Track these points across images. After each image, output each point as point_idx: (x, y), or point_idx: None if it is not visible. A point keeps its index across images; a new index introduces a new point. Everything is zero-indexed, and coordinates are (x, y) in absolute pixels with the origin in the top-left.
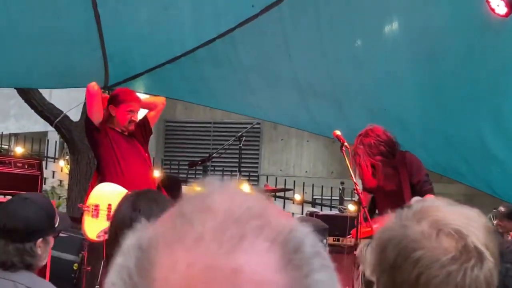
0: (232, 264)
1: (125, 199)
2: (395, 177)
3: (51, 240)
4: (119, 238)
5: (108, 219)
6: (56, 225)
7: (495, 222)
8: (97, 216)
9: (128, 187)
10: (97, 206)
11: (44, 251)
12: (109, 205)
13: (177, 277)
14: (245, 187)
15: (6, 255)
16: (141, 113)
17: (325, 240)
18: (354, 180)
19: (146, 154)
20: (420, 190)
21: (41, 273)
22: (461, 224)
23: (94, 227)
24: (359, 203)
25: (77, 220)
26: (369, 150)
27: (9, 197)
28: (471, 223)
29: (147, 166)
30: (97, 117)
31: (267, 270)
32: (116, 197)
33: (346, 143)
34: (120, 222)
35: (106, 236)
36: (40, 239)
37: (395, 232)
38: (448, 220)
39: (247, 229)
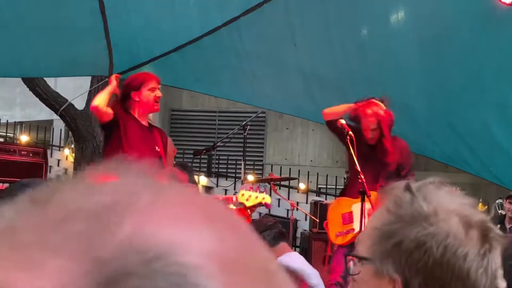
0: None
1: None
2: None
3: None
4: None
5: None
6: None
7: (500, 211)
8: None
9: None
10: None
11: None
12: None
13: None
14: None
15: None
16: None
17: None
18: (359, 169)
19: (163, 152)
20: (404, 177)
21: None
22: (480, 216)
23: None
24: (363, 192)
25: None
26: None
27: None
28: (481, 213)
29: (158, 159)
30: (108, 117)
31: None
32: None
33: (351, 132)
34: None
35: None
36: None
37: (435, 229)
38: (469, 212)
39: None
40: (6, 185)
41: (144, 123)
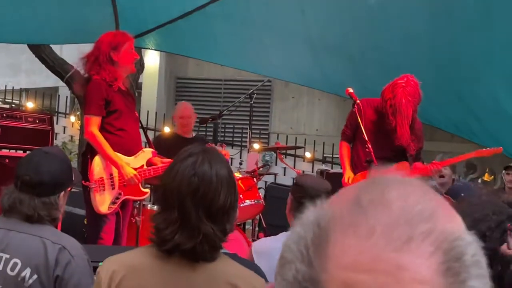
0: (398, 261)
1: (183, 160)
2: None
3: (68, 192)
4: (174, 201)
5: (113, 187)
6: (73, 178)
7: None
8: (104, 189)
9: (122, 146)
10: (101, 179)
11: (63, 203)
12: (111, 174)
13: (348, 260)
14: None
15: (33, 209)
16: None
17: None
18: (366, 138)
19: (136, 113)
20: (417, 156)
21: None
22: None
23: (103, 201)
24: (370, 161)
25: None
26: (413, 100)
27: (21, 152)
28: None
29: (137, 124)
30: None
31: (428, 272)
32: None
33: (358, 101)
34: (178, 186)
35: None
36: (63, 192)
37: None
38: None
39: (416, 231)
40: (14, 151)
41: (122, 86)
